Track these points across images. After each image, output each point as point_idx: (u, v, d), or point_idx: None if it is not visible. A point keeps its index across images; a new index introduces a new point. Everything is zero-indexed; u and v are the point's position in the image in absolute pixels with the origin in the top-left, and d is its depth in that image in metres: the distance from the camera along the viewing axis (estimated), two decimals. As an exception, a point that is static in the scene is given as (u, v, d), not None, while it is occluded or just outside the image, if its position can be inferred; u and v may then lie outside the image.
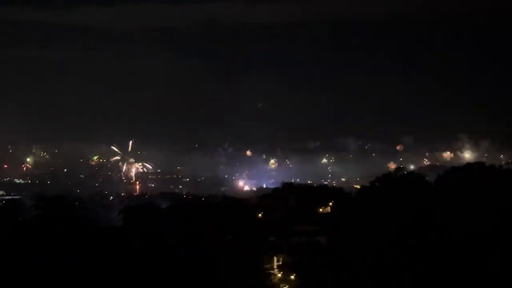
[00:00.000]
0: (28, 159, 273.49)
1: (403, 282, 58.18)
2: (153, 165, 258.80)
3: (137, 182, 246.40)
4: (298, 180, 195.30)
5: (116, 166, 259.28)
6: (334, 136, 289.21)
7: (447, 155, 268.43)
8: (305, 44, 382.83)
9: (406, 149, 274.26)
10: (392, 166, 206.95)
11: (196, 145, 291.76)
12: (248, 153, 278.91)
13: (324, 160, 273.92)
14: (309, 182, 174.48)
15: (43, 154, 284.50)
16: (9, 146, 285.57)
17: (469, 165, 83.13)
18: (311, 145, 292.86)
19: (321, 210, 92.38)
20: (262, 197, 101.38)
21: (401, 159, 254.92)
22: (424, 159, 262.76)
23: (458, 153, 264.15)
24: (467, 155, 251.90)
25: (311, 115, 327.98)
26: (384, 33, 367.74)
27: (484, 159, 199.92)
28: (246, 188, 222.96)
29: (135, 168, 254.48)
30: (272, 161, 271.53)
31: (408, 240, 61.34)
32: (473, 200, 66.22)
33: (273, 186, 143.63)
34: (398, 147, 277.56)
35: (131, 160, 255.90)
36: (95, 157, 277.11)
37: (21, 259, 63.87)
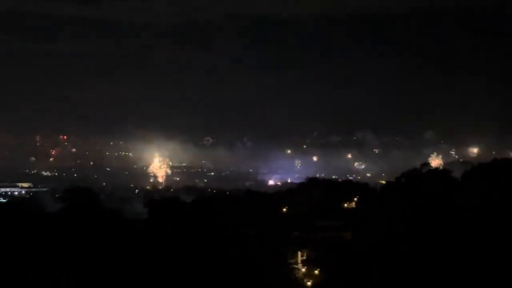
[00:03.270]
0: (55, 152, 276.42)
1: (428, 278, 57.80)
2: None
3: (162, 176, 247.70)
4: (323, 175, 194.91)
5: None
6: (358, 131, 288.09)
7: (473, 150, 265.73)
8: (325, 38, 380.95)
9: (431, 145, 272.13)
10: (418, 161, 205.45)
11: (220, 140, 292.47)
12: (273, 148, 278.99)
13: (349, 155, 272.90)
14: (334, 177, 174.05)
15: (70, 147, 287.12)
16: (37, 139, 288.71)
17: (496, 161, 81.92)
18: (335, 139, 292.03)
19: (345, 205, 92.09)
20: (287, 192, 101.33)
21: (427, 154, 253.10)
22: (450, 154, 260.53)
23: (485, 148, 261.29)
24: (494, 151, 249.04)
25: (333, 110, 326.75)
26: (405, 27, 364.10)
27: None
28: (271, 182, 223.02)
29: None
30: (297, 156, 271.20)
31: (434, 237, 60.89)
32: (501, 197, 65.50)
33: (298, 181, 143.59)
34: (422, 142, 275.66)
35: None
36: (123, 152, 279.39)
37: (47, 251, 64.54)
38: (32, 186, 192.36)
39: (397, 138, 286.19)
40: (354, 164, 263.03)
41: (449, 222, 62.64)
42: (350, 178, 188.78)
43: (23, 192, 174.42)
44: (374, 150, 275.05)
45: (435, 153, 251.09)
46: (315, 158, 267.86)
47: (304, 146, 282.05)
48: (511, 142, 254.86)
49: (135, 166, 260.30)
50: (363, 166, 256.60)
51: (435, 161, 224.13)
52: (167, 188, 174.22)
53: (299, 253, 73.01)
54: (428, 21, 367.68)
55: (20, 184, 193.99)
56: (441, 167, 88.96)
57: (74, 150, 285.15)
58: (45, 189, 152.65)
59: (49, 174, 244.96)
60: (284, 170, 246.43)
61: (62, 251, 63.89)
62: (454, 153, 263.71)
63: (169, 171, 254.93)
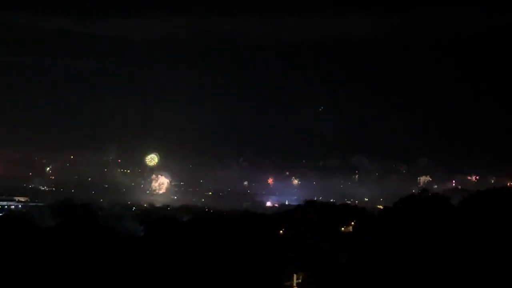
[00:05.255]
0: (52, 167, 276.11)
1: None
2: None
3: (160, 194, 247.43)
4: (320, 198, 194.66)
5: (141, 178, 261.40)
6: (355, 155, 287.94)
7: (472, 178, 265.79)
8: (321, 62, 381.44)
9: (428, 171, 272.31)
10: (416, 187, 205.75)
11: (218, 159, 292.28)
12: (270, 169, 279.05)
13: (347, 179, 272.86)
14: (331, 200, 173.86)
15: (67, 162, 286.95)
16: (34, 154, 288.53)
17: (495, 190, 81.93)
18: (333, 163, 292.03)
19: (343, 229, 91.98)
20: (285, 214, 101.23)
21: (425, 181, 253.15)
22: (448, 181, 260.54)
23: (483, 176, 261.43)
24: (493, 180, 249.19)
25: (331, 133, 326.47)
26: (399, 53, 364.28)
27: (510, 184, 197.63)
28: (269, 204, 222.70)
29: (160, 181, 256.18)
30: (295, 178, 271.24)
31: (430, 263, 60.77)
32: (499, 226, 65.42)
33: (295, 203, 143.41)
34: (419, 168, 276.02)
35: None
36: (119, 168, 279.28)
37: (43, 266, 64.30)
38: (29, 200, 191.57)
39: (394, 164, 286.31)
40: (351, 188, 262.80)
41: (448, 248, 62.55)
42: (348, 202, 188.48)
43: (20, 206, 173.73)
44: (371, 174, 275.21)
45: (429, 178, 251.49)
46: (313, 181, 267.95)
47: (302, 169, 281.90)
48: (509, 170, 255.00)
49: (132, 184, 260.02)
50: (361, 190, 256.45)
51: (434, 188, 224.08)
52: (164, 206, 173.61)
53: (295, 276, 72.69)
54: (425, 48, 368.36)
55: (17, 198, 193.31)
56: (439, 194, 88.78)
57: (72, 165, 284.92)
58: (42, 204, 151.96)
59: (47, 189, 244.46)
60: (282, 192, 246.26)
61: (58, 266, 63.66)
62: (453, 180, 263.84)
63: (167, 190, 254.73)
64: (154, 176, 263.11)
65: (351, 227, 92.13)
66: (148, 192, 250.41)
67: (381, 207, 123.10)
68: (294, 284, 72.15)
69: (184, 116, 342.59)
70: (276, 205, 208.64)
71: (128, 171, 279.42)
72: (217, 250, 71.17)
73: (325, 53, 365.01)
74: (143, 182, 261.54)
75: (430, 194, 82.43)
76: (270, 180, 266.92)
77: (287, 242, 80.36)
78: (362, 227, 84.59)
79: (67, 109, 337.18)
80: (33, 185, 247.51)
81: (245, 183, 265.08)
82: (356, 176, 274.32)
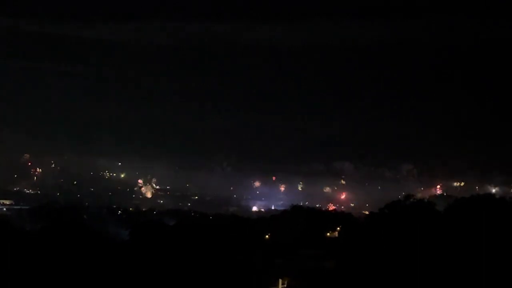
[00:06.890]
0: (38, 171, 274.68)
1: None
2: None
3: (146, 198, 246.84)
4: (306, 203, 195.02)
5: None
6: (341, 161, 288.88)
7: (456, 184, 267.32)
8: (307, 68, 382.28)
9: (414, 177, 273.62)
10: (401, 193, 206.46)
11: (203, 165, 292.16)
12: (256, 174, 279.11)
13: (333, 184, 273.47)
14: (317, 206, 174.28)
15: (53, 166, 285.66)
16: (20, 157, 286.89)
17: (478, 196, 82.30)
18: (319, 168, 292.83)
19: (328, 234, 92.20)
20: (270, 219, 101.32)
21: (410, 186, 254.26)
22: (434, 188, 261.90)
23: (469, 183, 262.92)
24: (477, 186, 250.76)
25: (317, 140, 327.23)
26: (387, 60, 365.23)
27: (494, 191, 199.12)
28: (255, 209, 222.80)
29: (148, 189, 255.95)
30: (281, 183, 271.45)
31: (416, 268, 60.96)
32: (482, 232, 65.73)
33: (281, 208, 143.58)
34: (406, 175, 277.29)
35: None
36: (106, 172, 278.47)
37: (26, 270, 63.86)
38: (13, 203, 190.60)
39: (380, 170, 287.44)
40: (337, 194, 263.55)
41: (434, 253, 62.77)
42: (334, 207, 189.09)
43: (4, 209, 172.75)
44: (357, 180, 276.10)
45: (415, 186, 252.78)
46: (299, 186, 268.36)
47: (288, 174, 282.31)
48: (494, 176, 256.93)
49: (119, 188, 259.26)
50: (347, 196, 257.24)
51: (419, 194, 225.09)
52: (150, 210, 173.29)
53: (280, 281, 72.68)
54: (411, 55, 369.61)
55: (1, 201, 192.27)
56: (425, 200, 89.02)
57: (58, 169, 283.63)
58: (27, 207, 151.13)
59: (32, 192, 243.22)
60: (268, 197, 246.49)
61: (41, 269, 63.23)
62: (438, 186, 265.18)
63: (153, 194, 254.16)
64: (140, 180, 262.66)
65: (337, 233, 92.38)
66: (134, 196, 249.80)
67: (366, 212, 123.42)
68: (279, 289, 72.16)
69: (170, 121, 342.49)
70: (262, 210, 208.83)
71: (114, 175, 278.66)
72: (202, 255, 71.01)
73: (312, 60, 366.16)
74: (129, 186, 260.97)
75: (415, 200, 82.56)
76: (256, 185, 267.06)
77: (273, 247, 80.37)
78: (348, 232, 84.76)
79: (54, 113, 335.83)
80: (18, 188, 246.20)
81: (231, 188, 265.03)
82: (342, 182, 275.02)
